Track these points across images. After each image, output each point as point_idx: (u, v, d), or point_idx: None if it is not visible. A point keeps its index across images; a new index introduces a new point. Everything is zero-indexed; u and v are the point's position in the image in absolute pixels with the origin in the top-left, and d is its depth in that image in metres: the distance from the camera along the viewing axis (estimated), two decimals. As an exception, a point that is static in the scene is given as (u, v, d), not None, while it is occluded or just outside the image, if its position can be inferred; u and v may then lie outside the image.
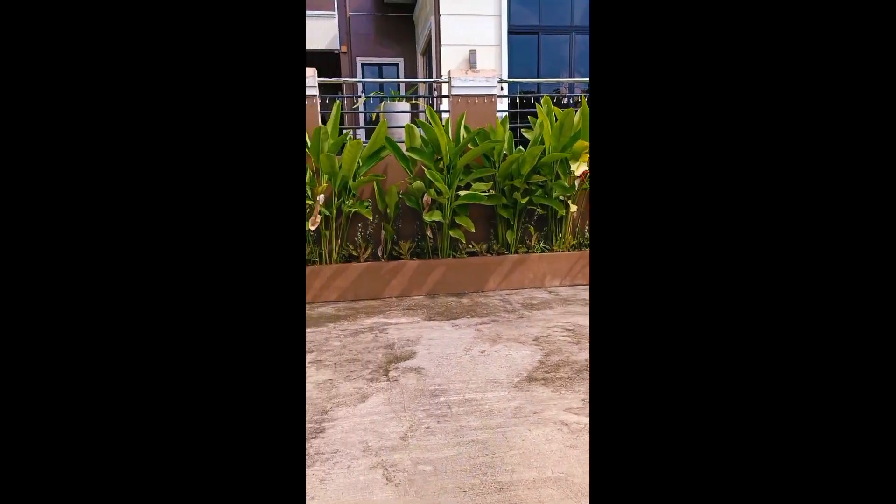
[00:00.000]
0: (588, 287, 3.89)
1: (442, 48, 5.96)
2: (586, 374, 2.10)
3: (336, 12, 9.33)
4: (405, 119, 5.34)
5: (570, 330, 2.74)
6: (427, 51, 7.34)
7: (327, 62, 9.46)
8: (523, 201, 3.83)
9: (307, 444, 1.61)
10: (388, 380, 2.12)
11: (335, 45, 9.20)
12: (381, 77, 9.52)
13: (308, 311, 3.31)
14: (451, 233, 3.73)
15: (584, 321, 2.91)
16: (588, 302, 3.37)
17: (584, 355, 2.33)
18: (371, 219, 3.72)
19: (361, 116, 8.71)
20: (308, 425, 1.73)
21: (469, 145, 3.82)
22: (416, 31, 8.74)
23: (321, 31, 8.92)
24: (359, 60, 9.47)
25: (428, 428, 1.71)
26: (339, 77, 9.09)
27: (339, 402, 1.91)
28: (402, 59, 9.59)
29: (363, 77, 9.42)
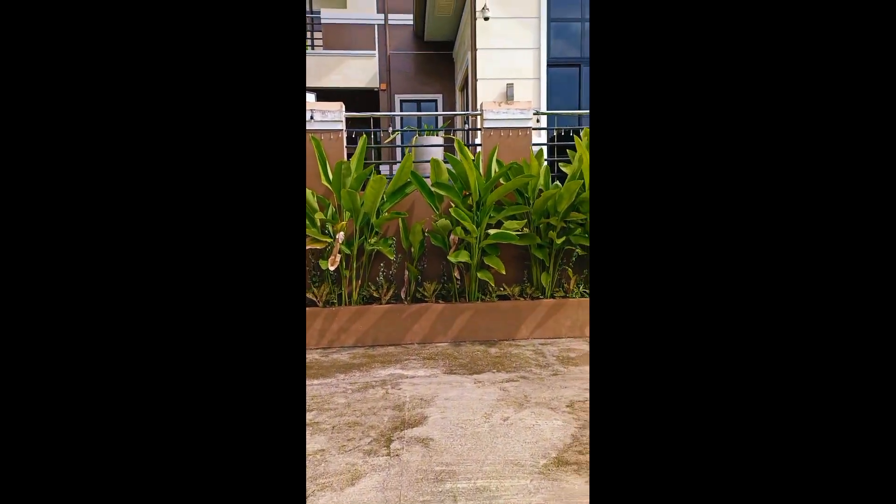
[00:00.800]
0: (634, 338, 3.44)
1: (478, 82, 5.82)
2: (631, 459, 1.70)
3: (377, 51, 9.52)
4: (439, 154, 5.17)
5: (611, 394, 2.33)
6: (465, 86, 7.26)
7: (366, 100, 9.60)
8: (559, 241, 3.49)
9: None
10: (389, 454, 1.79)
11: (375, 83, 9.34)
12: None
13: (321, 358, 3.06)
14: (479, 274, 3.42)
15: (630, 382, 2.49)
16: (634, 357, 2.94)
17: (628, 430, 1.92)
18: (393, 258, 3.48)
19: (398, 152, 8.70)
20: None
21: (501, 180, 3.55)
22: (455, 68, 8.74)
23: (362, 70, 9.10)
24: (397, 97, 9.56)
25: (426, 527, 1.37)
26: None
27: (325, 484, 1.59)
28: (440, 96, 9.61)
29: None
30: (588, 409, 2.14)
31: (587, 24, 6.02)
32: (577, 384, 2.47)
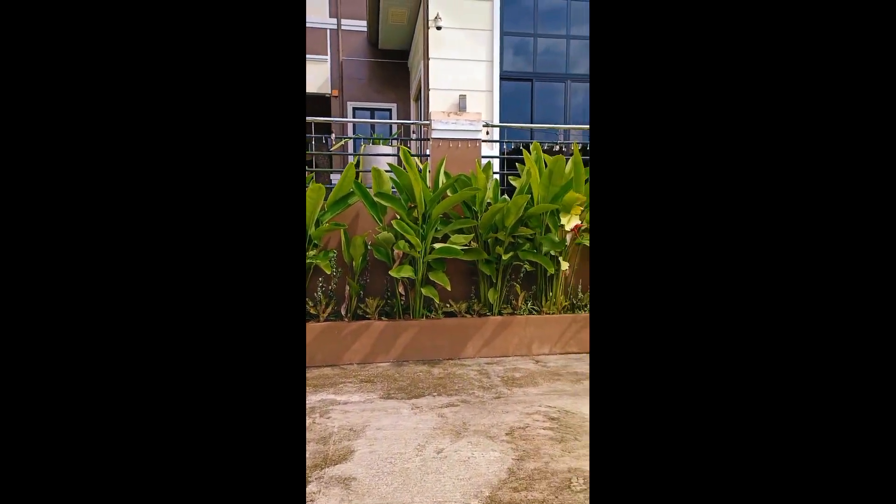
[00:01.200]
0: (581, 357, 3.38)
1: (431, 92, 5.72)
2: (568, 495, 1.58)
3: (329, 57, 9.29)
4: (391, 163, 5.01)
5: (554, 418, 2.22)
6: (419, 96, 7.16)
7: (317, 106, 9.32)
8: (507, 256, 3.39)
9: None
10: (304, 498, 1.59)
11: (326, 89, 9.09)
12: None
13: (248, 381, 2.80)
14: (423, 290, 3.27)
15: (573, 405, 2.39)
16: (579, 378, 2.86)
17: (567, 461, 1.81)
18: (332, 272, 3.27)
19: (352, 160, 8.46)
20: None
21: (448, 192, 3.43)
22: (409, 77, 8.64)
23: (313, 75, 8.83)
24: (350, 104, 9.34)
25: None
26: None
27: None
28: (395, 105, 9.46)
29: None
30: (527, 438, 2.01)
31: (540, 40, 6.06)
32: (519, 408, 2.35)
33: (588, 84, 6.17)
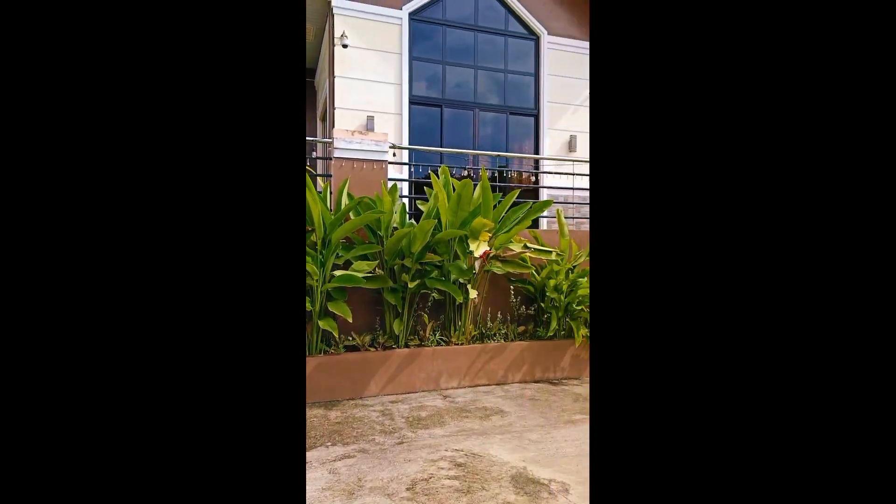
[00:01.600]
0: (490, 389, 3.24)
1: (336, 111, 5.47)
2: (476, 564, 1.37)
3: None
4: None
5: (460, 465, 2.02)
6: (325, 116, 6.86)
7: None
8: (413, 284, 3.19)
9: None
10: None
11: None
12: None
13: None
14: (321, 323, 2.95)
15: (480, 446, 2.21)
16: (487, 414, 2.70)
17: (475, 518, 1.60)
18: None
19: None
20: None
21: (350, 215, 3.18)
22: (316, 96, 8.32)
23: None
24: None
25: None
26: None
27: None
28: (303, 125, 9.04)
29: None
30: (430, 492, 1.78)
31: (449, 68, 6.10)
32: (423, 454, 2.12)
33: (496, 114, 6.30)
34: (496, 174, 5.49)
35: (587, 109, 6.69)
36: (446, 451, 2.17)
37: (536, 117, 6.48)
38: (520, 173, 6.63)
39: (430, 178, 3.30)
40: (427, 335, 3.33)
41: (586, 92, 6.67)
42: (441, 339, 3.36)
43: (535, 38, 6.45)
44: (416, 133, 5.91)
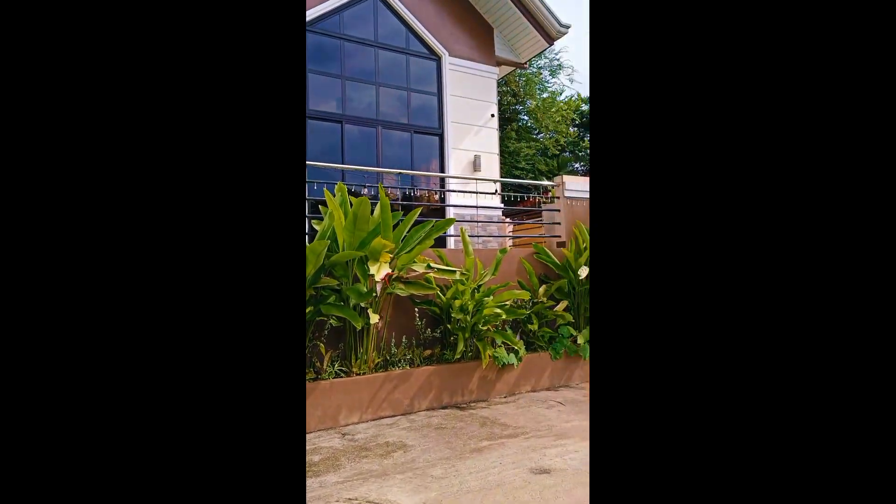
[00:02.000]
0: (395, 420, 3.01)
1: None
2: None
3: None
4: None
5: (355, 517, 1.77)
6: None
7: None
8: (308, 311, 2.90)
9: None
10: None
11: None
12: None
13: None
14: (195, 362, 2.55)
15: (378, 490, 1.98)
16: (390, 451, 2.47)
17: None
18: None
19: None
20: None
21: (232, 238, 2.83)
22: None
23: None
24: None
25: None
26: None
27: None
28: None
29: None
30: (315, 561, 1.52)
31: (349, 83, 5.91)
32: (312, 510, 1.84)
33: (401, 132, 6.19)
34: (405, 193, 5.35)
35: (490, 130, 6.82)
36: (337, 502, 1.91)
37: (441, 136, 6.48)
38: (427, 193, 6.55)
39: (324, 196, 3.06)
40: (324, 367, 3.04)
41: (488, 113, 6.82)
42: (340, 369, 3.09)
43: (437, 59, 6.49)
44: (317, 149, 5.61)
